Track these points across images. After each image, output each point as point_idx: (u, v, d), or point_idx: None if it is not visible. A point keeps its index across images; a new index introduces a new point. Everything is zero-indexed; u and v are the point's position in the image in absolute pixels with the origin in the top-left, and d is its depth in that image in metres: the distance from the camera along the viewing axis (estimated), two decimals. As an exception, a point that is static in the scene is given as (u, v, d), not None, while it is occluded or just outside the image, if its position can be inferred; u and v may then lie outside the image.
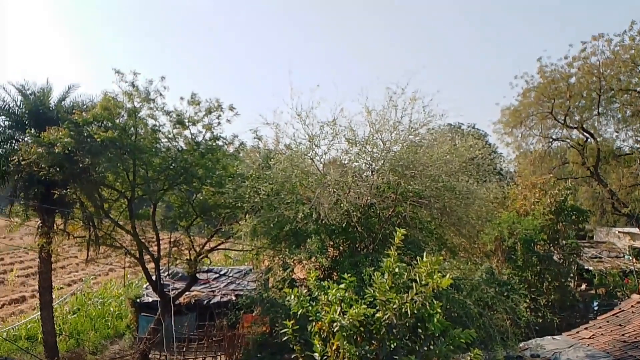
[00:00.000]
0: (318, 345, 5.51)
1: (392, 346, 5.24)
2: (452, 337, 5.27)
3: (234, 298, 20.17)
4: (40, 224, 16.52)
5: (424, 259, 5.24)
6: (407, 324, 5.25)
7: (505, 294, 12.38)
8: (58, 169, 13.91)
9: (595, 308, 22.36)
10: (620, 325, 13.23)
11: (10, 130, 16.11)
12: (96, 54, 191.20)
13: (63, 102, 16.74)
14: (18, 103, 16.23)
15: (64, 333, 20.94)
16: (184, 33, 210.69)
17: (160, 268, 16.78)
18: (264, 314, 13.17)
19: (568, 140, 29.32)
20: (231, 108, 15.34)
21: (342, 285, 5.63)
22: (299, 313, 5.70)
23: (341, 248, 13.31)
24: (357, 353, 5.13)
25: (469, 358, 5.30)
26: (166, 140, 15.41)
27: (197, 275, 17.43)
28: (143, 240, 16.15)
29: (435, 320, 5.13)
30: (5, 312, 25.78)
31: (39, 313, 18.12)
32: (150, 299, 20.44)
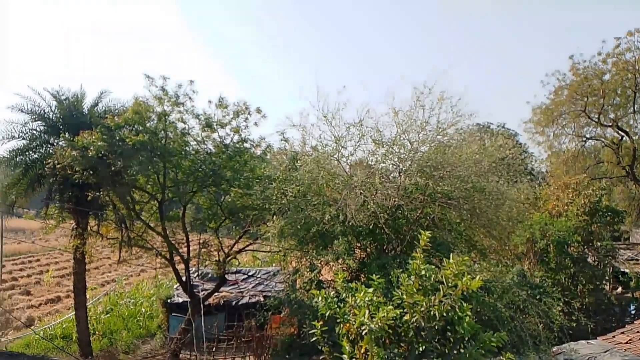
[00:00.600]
0: (346, 347, 5.49)
1: (421, 349, 5.18)
2: (482, 341, 5.18)
3: (262, 299, 20.29)
4: (75, 226, 16.99)
5: (451, 260, 5.17)
6: (436, 327, 5.19)
7: (537, 297, 12.10)
8: (91, 172, 14.26)
9: (633, 312, 21.66)
10: (659, 330, 12.77)
11: (45, 135, 16.62)
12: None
13: (96, 107, 17.20)
14: (53, 108, 16.74)
15: (97, 332, 21.43)
16: (211, 36, 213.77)
17: (190, 269, 17.02)
18: (291, 315, 13.22)
19: (602, 139, 28.54)
20: (258, 111, 15.47)
21: (370, 289, 5.60)
22: (326, 315, 5.69)
23: (368, 250, 13.25)
24: (386, 356, 5.09)
25: (500, 362, 5.20)
26: (195, 143, 15.63)
27: (226, 276, 17.61)
28: (173, 242, 16.41)
29: (465, 323, 5.06)
30: (41, 312, 26.59)
31: (74, 313, 18.60)
32: (181, 300, 20.75)
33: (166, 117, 14.78)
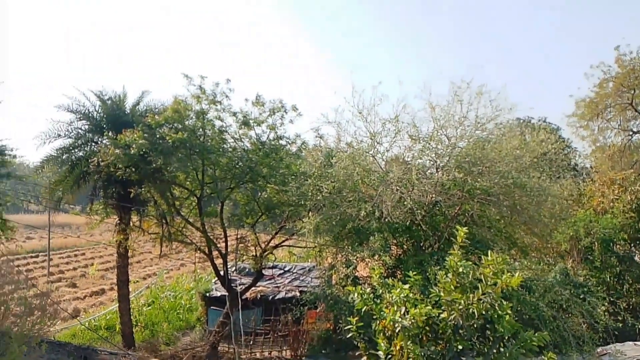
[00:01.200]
0: (382, 344, 5.48)
1: (459, 347, 5.12)
2: (523, 340, 5.09)
3: (298, 294, 20.42)
4: (118, 221, 17.56)
5: (489, 257, 5.08)
6: (475, 325, 5.12)
7: (581, 296, 11.75)
8: (133, 169, 14.69)
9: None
10: None
11: (90, 134, 17.22)
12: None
13: (137, 107, 17.70)
14: (97, 108, 17.33)
15: (139, 324, 22.11)
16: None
17: (228, 263, 17.31)
18: (327, 311, 13.30)
19: (650, 133, 27.25)
20: (294, 108, 15.53)
21: (406, 286, 5.57)
22: (362, 310, 5.70)
23: (405, 246, 13.15)
24: (422, 353, 5.06)
25: (541, 362, 5.09)
26: (232, 140, 15.84)
27: (263, 271, 17.80)
28: (211, 237, 16.70)
29: (505, 321, 4.97)
30: (87, 304, 27.66)
31: (117, 305, 19.23)
32: (219, 294, 21.13)
33: (204, 115, 15.04)
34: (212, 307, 21.43)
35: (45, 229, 39.18)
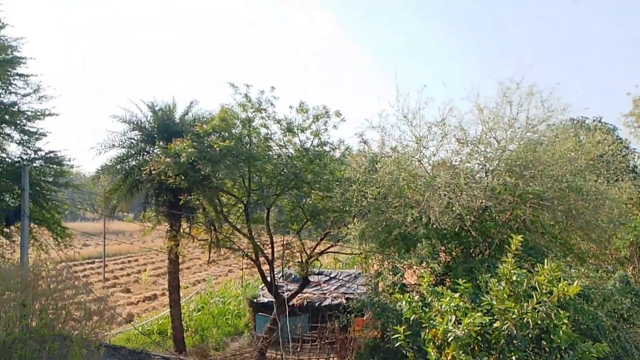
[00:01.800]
0: (432, 354, 5.35)
1: (513, 358, 4.93)
2: (581, 351, 4.85)
3: (344, 301, 20.35)
4: (169, 228, 18.10)
5: (545, 265, 4.87)
6: (530, 335, 4.92)
7: (644, 305, 11.09)
8: (183, 177, 15.13)
9: None
10: None
11: (142, 143, 17.90)
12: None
13: (186, 116, 18.24)
14: (148, 119, 17.99)
15: (190, 329, 22.64)
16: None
17: (275, 270, 17.48)
18: (375, 318, 13.11)
19: None
20: (337, 114, 15.56)
21: (456, 294, 5.42)
22: (411, 319, 5.58)
23: (454, 253, 12.83)
24: (475, 364, 4.90)
25: (602, 375, 4.83)
26: (277, 147, 16.03)
27: (309, 277, 17.85)
28: (258, 243, 16.93)
29: (562, 332, 4.75)
30: (140, 309, 28.61)
31: (169, 310, 19.78)
32: (266, 300, 21.35)
33: (250, 123, 15.30)
34: (259, 313, 21.68)
35: (101, 236, 41.00)
